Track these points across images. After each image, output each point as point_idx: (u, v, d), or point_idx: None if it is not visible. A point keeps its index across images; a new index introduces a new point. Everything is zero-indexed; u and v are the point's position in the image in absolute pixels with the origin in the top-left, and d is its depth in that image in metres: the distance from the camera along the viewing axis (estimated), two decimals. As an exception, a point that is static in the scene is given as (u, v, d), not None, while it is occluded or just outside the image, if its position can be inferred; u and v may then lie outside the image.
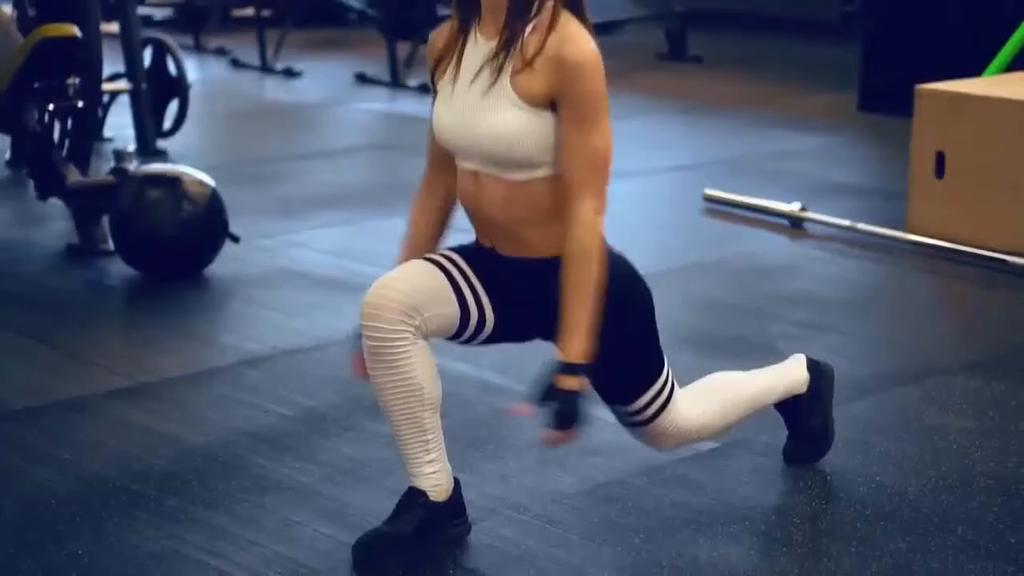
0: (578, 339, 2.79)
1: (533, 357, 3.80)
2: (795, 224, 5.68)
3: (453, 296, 2.90)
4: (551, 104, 2.79)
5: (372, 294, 2.84)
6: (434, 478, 2.95)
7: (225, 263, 5.03)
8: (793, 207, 5.70)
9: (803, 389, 3.38)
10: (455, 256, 2.97)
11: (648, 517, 3.17)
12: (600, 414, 3.74)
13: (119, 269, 5.02)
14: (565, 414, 2.81)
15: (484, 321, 2.95)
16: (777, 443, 3.55)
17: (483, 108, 2.81)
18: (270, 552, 3.00)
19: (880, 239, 5.46)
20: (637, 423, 3.13)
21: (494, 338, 3.01)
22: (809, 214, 5.67)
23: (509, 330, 3.00)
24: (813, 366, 3.42)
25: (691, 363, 4.10)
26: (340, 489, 3.30)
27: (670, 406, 3.11)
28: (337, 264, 5.12)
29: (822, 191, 6.23)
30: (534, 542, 3.05)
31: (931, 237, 5.37)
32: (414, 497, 2.96)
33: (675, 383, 3.14)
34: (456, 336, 2.96)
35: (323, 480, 3.35)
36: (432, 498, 2.95)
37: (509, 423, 3.61)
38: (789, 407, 3.40)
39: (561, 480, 3.35)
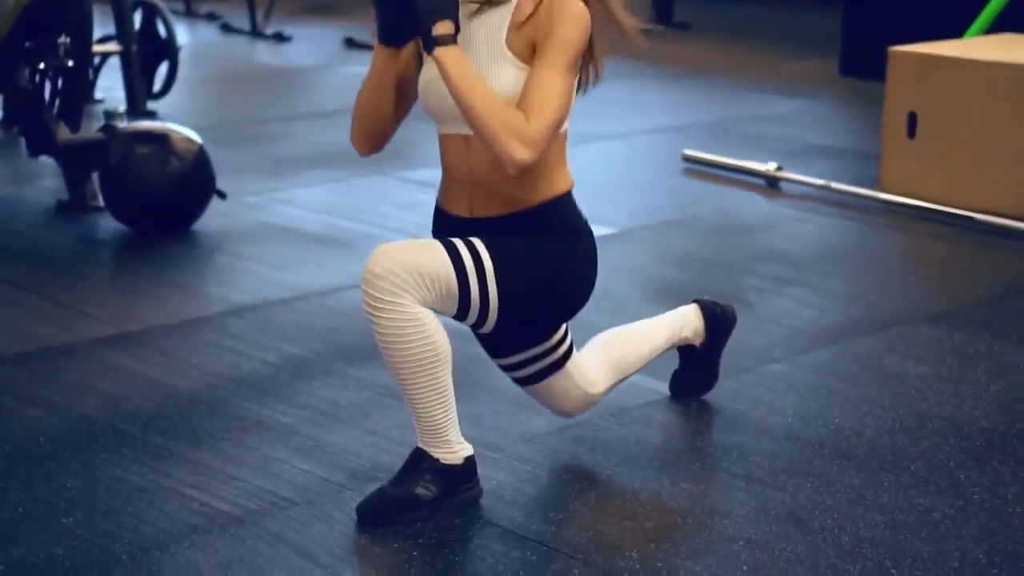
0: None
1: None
2: (771, 184, 5.80)
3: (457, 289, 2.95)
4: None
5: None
6: (463, 446, 3.04)
7: (212, 219, 5.14)
8: (769, 167, 5.82)
9: (698, 340, 3.55)
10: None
11: (614, 455, 3.30)
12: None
13: (109, 224, 5.13)
14: None
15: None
16: (742, 388, 3.69)
17: (483, 75, 2.88)
18: (250, 486, 3.12)
19: (853, 198, 5.58)
20: (521, 379, 3.26)
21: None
22: (785, 174, 5.79)
23: None
24: (712, 316, 3.57)
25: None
26: (318, 429, 3.42)
27: (557, 373, 3.22)
28: (322, 220, 5.23)
29: (799, 153, 6.35)
30: (504, 477, 3.17)
31: (902, 196, 5.49)
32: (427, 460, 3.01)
33: (569, 353, 3.23)
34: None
35: (302, 421, 3.47)
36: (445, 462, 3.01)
37: (483, 368, 3.73)
38: (684, 350, 3.60)
39: (533, 421, 3.48)
